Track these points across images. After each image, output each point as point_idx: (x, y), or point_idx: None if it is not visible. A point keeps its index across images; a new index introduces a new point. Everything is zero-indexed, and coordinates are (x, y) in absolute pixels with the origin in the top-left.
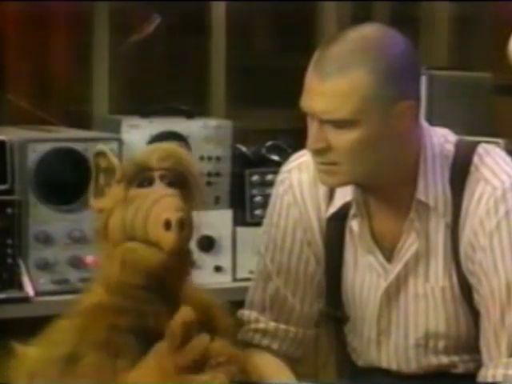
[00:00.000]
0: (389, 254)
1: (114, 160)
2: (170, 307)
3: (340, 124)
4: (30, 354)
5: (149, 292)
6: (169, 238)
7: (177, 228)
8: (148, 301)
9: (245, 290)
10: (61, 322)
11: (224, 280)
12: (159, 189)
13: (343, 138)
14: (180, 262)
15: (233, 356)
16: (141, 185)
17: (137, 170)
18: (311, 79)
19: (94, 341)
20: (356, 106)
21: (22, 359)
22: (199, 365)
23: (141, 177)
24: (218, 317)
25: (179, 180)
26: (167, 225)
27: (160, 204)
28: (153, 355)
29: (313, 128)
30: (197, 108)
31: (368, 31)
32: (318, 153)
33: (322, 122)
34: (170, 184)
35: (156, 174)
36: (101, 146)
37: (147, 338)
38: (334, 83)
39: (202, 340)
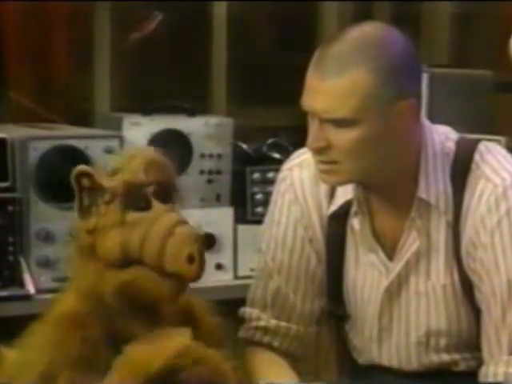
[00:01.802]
0: (390, 252)
1: (101, 181)
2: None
3: (340, 123)
4: (9, 357)
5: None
6: (193, 271)
7: (199, 259)
8: (122, 312)
9: (246, 287)
10: (37, 326)
11: (225, 278)
12: (160, 210)
13: (343, 137)
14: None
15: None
16: (138, 207)
17: (127, 189)
18: (311, 78)
19: (66, 357)
20: (356, 105)
21: (1, 362)
22: None
23: (134, 197)
24: (203, 316)
25: (167, 190)
26: (191, 259)
27: (177, 237)
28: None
29: (313, 127)
30: (198, 106)
31: (368, 30)
32: (318, 151)
33: (323, 121)
34: (163, 199)
35: (148, 192)
36: (82, 166)
37: (119, 343)
38: (334, 82)
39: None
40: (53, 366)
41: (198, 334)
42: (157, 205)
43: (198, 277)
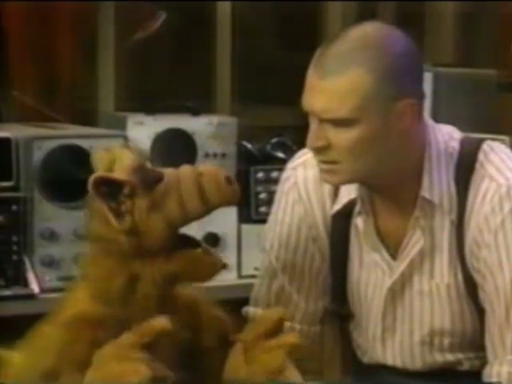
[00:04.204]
0: (394, 252)
1: (119, 178)
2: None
3: (340, 122)
4: (14, 361)
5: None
6: (236, 190)
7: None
8: (139, 311)
9: (250, 287)
10: (45, 328)
11: (229, 277)
12: (172, 170)
13: (343, 137)
14: None
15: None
16: (155, 182)
17: (140, 172)
18: (311, 77)
19: (74, 359)
20: (355, 105)
21: (6, 365)
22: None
23: (148, 176)
24: (204, 312)
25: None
26: (229, 180)
27: (205, 173)
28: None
29: (313, 126)
30: (202, 105)
31: (369, 30)
32: (318, 151)
33: (322, 121)
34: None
35: (151, 168)
36: (96, 174)
37: None
38: (333, 82)
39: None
40: (64, 370)
41: (202, 330)
42: (165, 170)
43: (239, 196)
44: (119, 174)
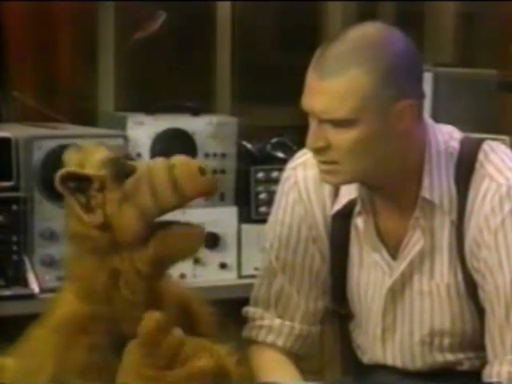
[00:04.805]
0: (394, 252)
1: (86, 172)
2: (148, 307)
3: (339, 123)
4: (8, 365)
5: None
6: (210, 180)
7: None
8: (128, 307)
9: (250, 286)
10: (34, 331)
11: (229, 277)
12: (145, 162)
13: (342, 137)
14: None
15: (203, 349)
16: (126, 175)
17: (111, 165)
18: (311, 78)
19: (72, 365)
20: (355, 106)
21: (1, 370)
22: (172, 361)
23: (119, 169)
24: (199, 312)
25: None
26: (202, 171)
27: (178, 164)
28: (127, 362)
29: (313, 126)
30: (202, 105)
31: (368, 30)
32: (318, 152)
33: (322, 121)
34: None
35: (126, 158)
36: (62, 170)
37: (123, 342)
38: (332, 82)
39: (175, 336)
40: (58, 375)
41: (195, 326)
42: (137, 163)
43: (215, 186)
44: (89, 168)
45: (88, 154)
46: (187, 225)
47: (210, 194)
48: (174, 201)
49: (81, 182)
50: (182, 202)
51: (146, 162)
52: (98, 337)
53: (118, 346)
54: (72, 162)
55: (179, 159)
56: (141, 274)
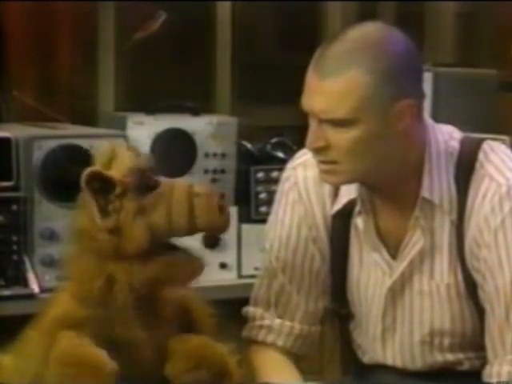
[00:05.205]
0: (394, 252)
1: (112, 177)
2: (144, 311)
3: (338, 123)
4: (4, 363)
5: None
6: (226, 220)
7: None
8: (120, 312)
9: (250, 286)
10: (30, 331)
11: (229, 277)
12: (169, 182)
13: (342, 137)
14: None
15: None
16: (149, 189)
17: (135, 175)
18: (310, 78)
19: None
20: (354, 106)
21: None
22: None
23: (143, 180)
24: (200, 314)
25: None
26: (222, 209)
27: (201, 194)
28: None
29: (312, 126)
30: (202, 105)
31: (368, 30)
32: (317, 151)
33: (321, 121)
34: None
35: (152, 171)
36: (90, 169)
37: (117, 346)
38: (332, 82)
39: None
40: (49, 376)
41: (196, 327)
42: (163, 180)
43: (228, 226)
44: (115, 172)
45: (118, 156)
46: (191, 256)
47: (221, 233)
48: (185, 228)
49: (103, 183)
50: (193, 231)
51: (170, 181)
52: (90, 338)
53: (109, 349)
54: (101, 159)
55: (204, 190)
56: (133, 288)
